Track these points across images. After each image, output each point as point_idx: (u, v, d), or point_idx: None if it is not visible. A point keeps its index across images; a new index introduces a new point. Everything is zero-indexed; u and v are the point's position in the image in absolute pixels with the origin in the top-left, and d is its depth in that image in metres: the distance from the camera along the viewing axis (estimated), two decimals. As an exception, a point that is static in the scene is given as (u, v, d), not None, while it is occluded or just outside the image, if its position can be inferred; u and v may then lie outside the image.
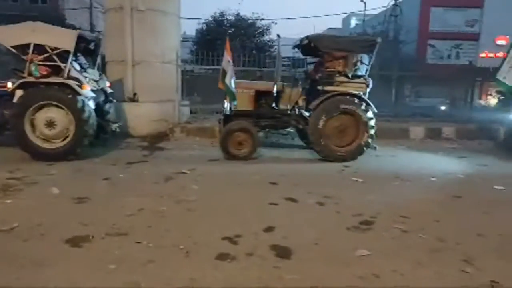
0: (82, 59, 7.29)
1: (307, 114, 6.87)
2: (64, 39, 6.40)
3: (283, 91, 7.21)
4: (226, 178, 5.50)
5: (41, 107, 6.22)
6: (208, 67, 10.92)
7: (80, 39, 6.66)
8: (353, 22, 41.08)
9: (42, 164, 5.92)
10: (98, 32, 22.16)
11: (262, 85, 7.35)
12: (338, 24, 45.58)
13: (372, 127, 6.71)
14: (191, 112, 10.47)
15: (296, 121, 7.16)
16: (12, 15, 23.67)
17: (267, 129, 7.58)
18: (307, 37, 6.87)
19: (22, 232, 3.39)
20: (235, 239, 3.31)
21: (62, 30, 6.72)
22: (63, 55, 6.42)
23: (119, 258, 2.92)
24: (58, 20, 23.86)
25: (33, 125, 6.24)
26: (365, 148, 6.77)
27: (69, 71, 6.38)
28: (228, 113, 7.00)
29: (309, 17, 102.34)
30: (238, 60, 10.12)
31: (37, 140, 6.26)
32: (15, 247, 3.09)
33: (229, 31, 21.32)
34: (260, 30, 24.86)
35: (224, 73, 6.34)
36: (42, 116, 6.23)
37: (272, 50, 23.07)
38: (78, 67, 6.98)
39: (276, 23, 30.54)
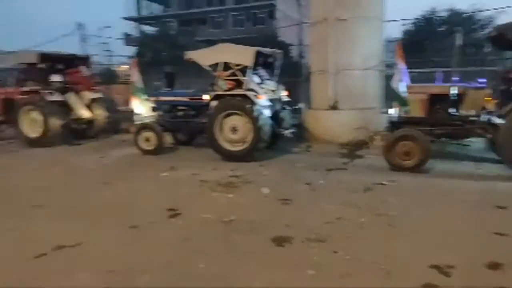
0: (261, 72, 8.05)
1: (500, 121, 5.59)
2: (245, 56, 7.29)
3: (465, 94, 6.08)
4: (433, 194, 4.88)
5: (227, 115, 7.24)
6: (415, 70, 10.08)
7: (259, 54, 7.48)
8: None
9: (256, 166, 6.74)
10: (304, 45, 23.87)
11: (437, 88, 6.44)
12: None
13: None
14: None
15: (483, 130, 5.96)
16: (239, 38, 28.40)
17: (442, 138, 6.49)
18: (496, 27, 5.46)
19: (238, 225, 3.90)
20: (447, 269, 2.85)
21: (244, 48, 7.58)
22: (244, 70, 7.31)
23: (317, 265, 2.97)
24: (271, 37, 27.08)
25: (221, 131, 7.24)
26: None
27: (248, 83, 7.23)
28: (396, 119, 6.42)
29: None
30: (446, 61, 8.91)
31: (225, 143, 7.24)
32: (232, 238, 3.58)
33: (440, 29, 19.14)
34: (481, 23, 21.29)
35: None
36: (228, 123, 7.19)
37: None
38: (257, 79, 7.75)
39: (504, 10, 25.47)
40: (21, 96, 9.54)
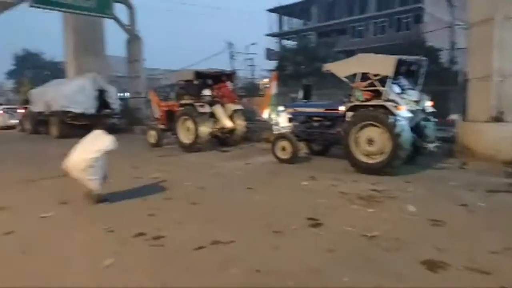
0: (403, 81, 7.47)
1: None
2: (384, 66, 6.89)
3: None
4: None
5: (363, 127, 6.98)
6: None
7: (401, 63, 7.00)
8: None
9: (399, 181, 6.31)
10: (458, 49, 21.35)
11: None
12: None
13: None
14: None
15: None
16: (381, 46, 27.18)
17: None
18: None
19: (381, 242, 3.71)
20: None
21: (383, 58, 7.14)
22: (384, 80, 6.87)
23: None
24: (418, 43, 25.07)
25: (356, 142, 7.05)
26: None
27: (387, 93, 6.80)
28: None
29: None
30: None
31: (360, 155, 7.02)
32: (375, 255, 3.42)
33: None
34: None
35: None
36: (364, 134, 6.97)
37: None
38: (398, 90, 7.19)
39: None
40: (179, 108, 11.16)
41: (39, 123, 17.11)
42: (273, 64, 40.56)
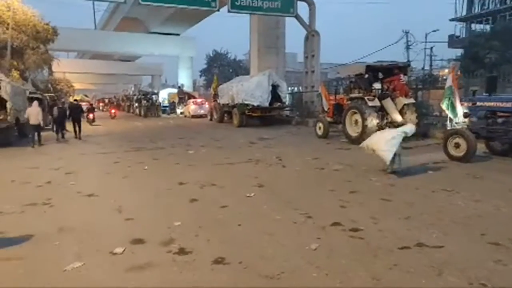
0: None
1: None
2: None
3: None
4: None
5: None
6: None
7: None
8: None
9: None
10: None
11: None
12: None
13: None
14: None
15: None
16: None
17: None
18: None
19: None
20: None
21: None
22: None
23: None
24: None
25: None
26: None
27: None
28: None
29: None
30: None
31: None
32: None
33: None
34: None
35: None
36: None
37: None
38: None
39: None
40: (347, 102, 11.46)
41: (225, 113, 20.33)
42: (457, 52, 35.90)
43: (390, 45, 32.83)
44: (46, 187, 6.17)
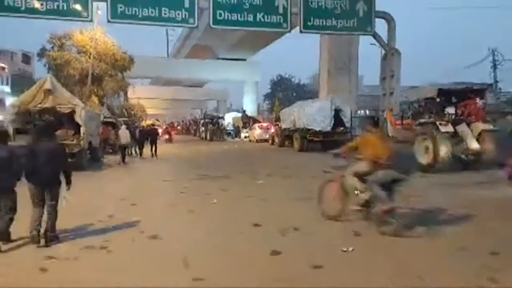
0: None
1: None
2: None
3: None
4: None
5: None
6: None
7: None
8: None
9: None
10: None
11: None
12: None
13: None
14: None
15: None
16: None
17: None
18: None
19: None
20: None
21: None
22: None
23: None
24: None
25: None
26: None
27: None
28: None
29: None
30: None
31: None
32: None
33: None
34: None
35: None
36: None
37: None
38: None
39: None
40: (416, 127, 10.87)
41: (286, 138, 20.10)
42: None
43: (471, 65, 29.55)
44: (107, 223, 5.49)
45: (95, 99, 23.51)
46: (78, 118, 11.47)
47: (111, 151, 17.27)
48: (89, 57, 22.00)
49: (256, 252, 4.20)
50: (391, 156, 4.74)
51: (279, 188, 8.34)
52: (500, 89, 31.50)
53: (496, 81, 31.95)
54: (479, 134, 9.84)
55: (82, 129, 11.46)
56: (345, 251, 4.12)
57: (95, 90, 23.83)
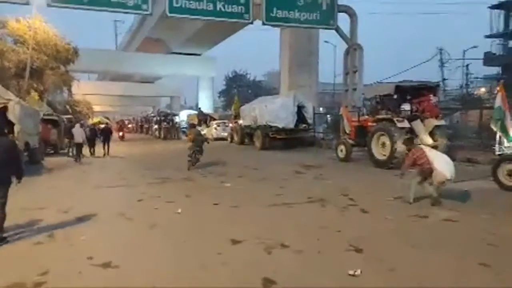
0: None
1: None
2: None
3: None
4: None
5: None
6: None
7: None
8: None
9: None
10: None
11: None
12: None
13: None
14: None
15: None
16: None
17: None
18: None
19: None
20: None
21: None
22: None
23: None
24: None
25: None
26: None
27: None
28: None
29: None
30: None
31: None
32: None
33: None
34: None
35: None
36: None
37: None
38: None
39: None
40: (372, 123, 11.07)
41: (246, 135, 19.28)
42: (492, 70, 33.52)
43: (420, 63, 30.52)
44: (46, 247, 4.34)
45: (35, 94, 21.12)
46: (11, 115, 9.83)
47: (52, 152, 15.49)
48: (27, 48, 19.65)
49: (244, 282, 3.33)
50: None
51: (249, 192, 7.51)
52: (445, 87, 32.91)
53: (444, 79, 33.36)
54: (432, 129, 10.29)
55: (16, 127, 9.84)
56: (352, 275, 3.39)
57: (35, 85, 21.46)
